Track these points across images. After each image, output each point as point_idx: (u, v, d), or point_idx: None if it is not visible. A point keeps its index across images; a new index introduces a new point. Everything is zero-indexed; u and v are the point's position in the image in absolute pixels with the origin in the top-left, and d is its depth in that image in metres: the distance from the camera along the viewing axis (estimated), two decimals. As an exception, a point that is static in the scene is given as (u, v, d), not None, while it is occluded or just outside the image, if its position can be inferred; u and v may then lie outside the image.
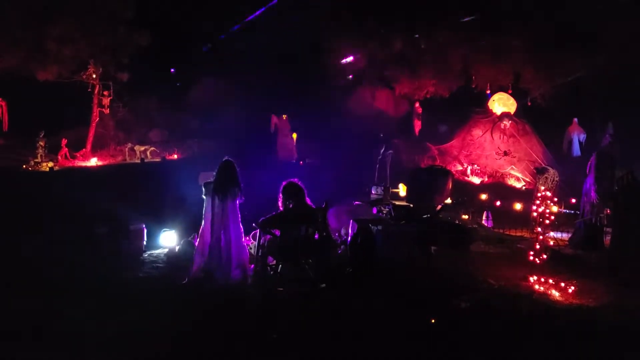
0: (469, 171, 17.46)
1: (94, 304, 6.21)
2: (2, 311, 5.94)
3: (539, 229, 8.67)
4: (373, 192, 9.55)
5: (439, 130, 19.92)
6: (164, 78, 21.62)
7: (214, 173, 7.44)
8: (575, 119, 19.63)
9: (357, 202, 9.84)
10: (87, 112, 17.48)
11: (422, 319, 5.77)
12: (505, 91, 19.08)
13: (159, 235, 9.47)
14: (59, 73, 16.17)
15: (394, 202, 9.03)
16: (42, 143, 15.26)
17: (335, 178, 13.09)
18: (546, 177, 11.39)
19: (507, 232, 11.94)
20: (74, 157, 16.32)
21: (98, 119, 17.47)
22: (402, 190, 9.78)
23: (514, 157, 17.69)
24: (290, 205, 7.42)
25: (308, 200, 7.56)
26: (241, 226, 7.42)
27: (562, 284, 7.40)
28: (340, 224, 9.83)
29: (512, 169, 17.43)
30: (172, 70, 22.69)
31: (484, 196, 13.96)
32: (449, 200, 9.45)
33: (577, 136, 19.62)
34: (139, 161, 16.51)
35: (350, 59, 21.52)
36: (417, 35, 19.78)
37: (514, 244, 10.52)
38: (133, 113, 19.44)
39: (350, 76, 22.18)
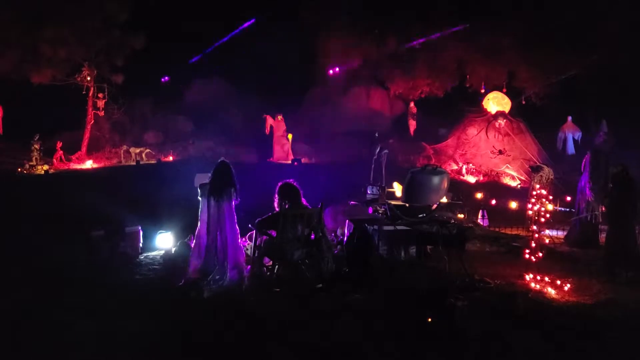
0: (464, 170, 17.51)
1: (90, 306, 6.21)
2: (-2, 314, 5.94)
3: (535, 227, 8.68)
4: (369, 192, 9.54)
5: (439, 133, 19.93)
6: (159, 80, 21.64)
7: (210, 174, 7.44)
8: (570, 117, 19.69)
9: (352, 202, 9.84)
10: (82, 114, 17.51)
11: (419, 318, 5.78)
12: (500, 90, 19.14)
13: (155, 237, 9.46)
14: (53, 76, 16.21)
15: (389, 201, 9.03)
16: (37, 146, 15.27)
17: (330, 178, 13.11)
18: (541, 175, 11.44)
19: (503, 231, 11.98)
20: (69, 160, 16.33)
21: (93, 121, 17.49)
22: (397, 189, 9.78)
23: (509, 155, 17.76)
24: (286, 206, 7.43)
25: (304, 201, 7.57)
26: (237, 227, 7.41)
27: (558, 282, 7.42)
28: (337, 224, 9.84)
29: (507, 167, 17.50)
30: (165, 78, 22.74)
31: (479, 195, 14.01)
32: (444, 200, 9.46)
33: (572, 134, 19.68)
34: (134, 163, 16.51)
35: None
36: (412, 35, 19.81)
37: (509, 242, 10.54)
38: (128, 115, 19.48)
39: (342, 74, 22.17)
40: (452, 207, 11.15)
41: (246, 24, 22.95)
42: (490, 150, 18.05)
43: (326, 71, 22.34)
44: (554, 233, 11.29)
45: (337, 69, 22.25)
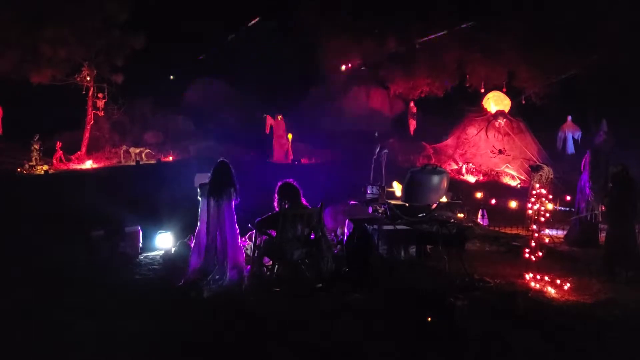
0: (464, 170, 17.50)
1: (90, 306, 6.20)
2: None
3: (535, 227, 8.68)
4: (368, 191, 9.54)
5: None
6: (159, 80, 21.64)
7: (209, 174, 7.44)
8: (569, 117, 19.68)
9: (352, 202, 9.83)
10: (82, 114, 17.49)
11: (419, 317, 5.78)
12: (500, 90, 19.13)
13: (155, 237, 9.46)
14: (52, 76, 16.18)
15: (389, 201, 9.03)
16: (36, 146, 15.24)
17: (330, 178, 13.11)
18: (541, 175, 11.43)
19: (503, 230, 11.98)
20: (69, 160, 16.32)
21: (93, 121, 17.47)
22: (397, 189, 9.78)
23: (509, 155, 17.74)
24: (286, 206, 7.42)
25: (304, 201, 7.56)
26: (237, 227, 7.40)
27: (558, 281, 7.42)
28: (336, 223, 9.83)
29: (507, 167, 17.48)
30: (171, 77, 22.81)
31: (479, 194, 14.00)
32: (444, 199, 9.46)
33: (572, 134, 19.67)
34: (134, 163, 16.51)
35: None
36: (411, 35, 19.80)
37: (509, 241, 10.53)
38: (128, 115, 19.47)
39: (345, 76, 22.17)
40: (451, 206, 11.14)
41: (250, 22, 23.00)
42: (490, 150, 18.05)
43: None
44: (553, 232, 11.29)
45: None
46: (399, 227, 8.55)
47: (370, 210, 9.30)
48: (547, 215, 9.55)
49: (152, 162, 16.93)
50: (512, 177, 17.27)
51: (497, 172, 17.49)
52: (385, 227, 8.55)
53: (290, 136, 18.57)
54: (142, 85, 19.60)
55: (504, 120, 18.34)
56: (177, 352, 5.11)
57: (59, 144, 16.19)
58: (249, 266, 7.55)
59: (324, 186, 11.01)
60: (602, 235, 9.94)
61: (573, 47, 17.03)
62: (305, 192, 7.63)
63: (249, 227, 7.81)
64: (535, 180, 11.97)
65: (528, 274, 7.73)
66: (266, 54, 22.42)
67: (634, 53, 15.99)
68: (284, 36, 22.11)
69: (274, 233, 7.36)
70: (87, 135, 17.29)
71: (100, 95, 17.48)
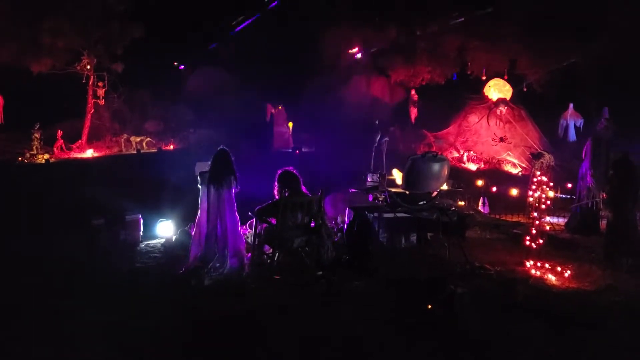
0: (465, 158, 17.46)
1: (91, 295, 6.22)
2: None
3: (535, 214, 8.68)
4: (369, 179, 9.55)
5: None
6: (159, 69, 21.56)
7: (210, 162, 7.43)
8: (571, 104, 19.58)
9: (353, 190, 9.83)
10: (82, 103, 17.45)
11: (419, 305, 5.79)
12: (501, 77, 19.06)
13: (156, 226, 9.49)
14: (52, 65, 16.14)
15: (389, 189, 9.02)
16: (37, 135, 15.23)
17: (331, 166, 13.09)
18: (542, 162, 11.40)
19: (504, 218, 11.98)
20: (69, 149, 16.30)
21: (93, 110, 17.43)
22: (397, 177, 9.77)
23: (510, 143, 17.70)
24: (286, 194, 7.41)
25: (304, 189, 7.55)
26: (237, 215, 7.41)
27: (559, 269, 7.44)
28: (337, 211, 9.84)
29: (508, 154, 17.44)
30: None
31: (480, 182, 13.98)
32: (445, 187, 9.45)
33: (573, 121, 19.58)
34: (135, 152, 16.51)
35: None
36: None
37: (510, 229, 10.54)
38: (128, 104, 19.42)
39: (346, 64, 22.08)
40: (452, 194, 11.15)
41: (250, 20, 23.00)
42: (491, 138, 18.01)
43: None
44: (554, 220, 11.27)
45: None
46: (399, 214, 8.55)
47: (370, 198, 9.29)
48: (548, 202, 9.54)
49: (153, 150, 16.93)
50: (513, 165, 17.23)
51: (498, 160, 17.45)
52: (386, 215, 8.56)
53: (290, 124, 18.53)
54: (142, 73, 19.54)
55: (505, 107, 18.29)
56: (177, 340, 5.12)
57: (59, 133, 16.16)
58: (249, 254, 7.57)
59: (325, 174, 11.01)
60: (603, 223, 9.91)
61: (574, 34, 16.93)
62: (305, 180, 7.62)
63: (250, 215, 7.81)
64: (536, 167, 11.95)
65: (528, 261, 7.74)
66: (267, 42, 22.32)
67: (635, 41, 15.88)
68: (285, 25, 22.01)
69: (274, 221, 7.35)
70: (87, 124, 17.26)
71: (100, 84, 17.43)
